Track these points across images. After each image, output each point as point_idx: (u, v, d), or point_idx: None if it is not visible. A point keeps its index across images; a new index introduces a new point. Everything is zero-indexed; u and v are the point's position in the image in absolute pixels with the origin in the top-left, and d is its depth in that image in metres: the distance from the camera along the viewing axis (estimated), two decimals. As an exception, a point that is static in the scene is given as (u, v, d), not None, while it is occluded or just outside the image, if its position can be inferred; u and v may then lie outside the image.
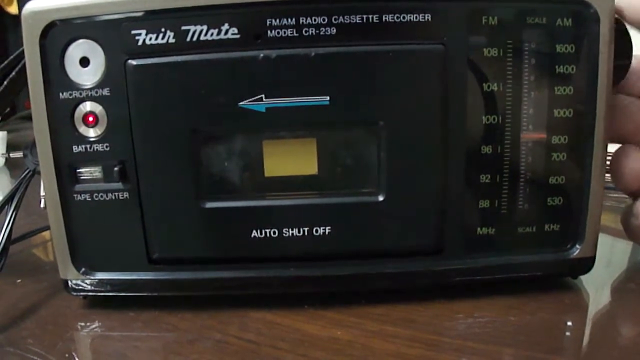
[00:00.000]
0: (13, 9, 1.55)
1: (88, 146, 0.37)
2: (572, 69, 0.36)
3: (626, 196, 0.41)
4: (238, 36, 0.35)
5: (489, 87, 0.36)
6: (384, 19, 0.35)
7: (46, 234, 0.53)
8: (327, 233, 0.37)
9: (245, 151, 0.38)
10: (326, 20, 0.35)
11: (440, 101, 0.36)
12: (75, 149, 0.37)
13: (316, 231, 0.37)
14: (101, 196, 0.37)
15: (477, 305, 0.38)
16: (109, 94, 0.36)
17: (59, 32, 0.35)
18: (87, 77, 0.36)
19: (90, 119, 0.36)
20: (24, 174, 0.43)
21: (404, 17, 0.35)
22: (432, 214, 0.37)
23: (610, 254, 0.46)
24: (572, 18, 0.35)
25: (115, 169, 0.37)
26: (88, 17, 0.35)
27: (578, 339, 0.36)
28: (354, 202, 0.37)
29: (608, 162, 0.38)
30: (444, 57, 0.35)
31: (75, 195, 0.37)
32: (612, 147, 0.39)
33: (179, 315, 0.38)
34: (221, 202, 0.37)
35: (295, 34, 0.35)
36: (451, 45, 0.35)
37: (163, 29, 0.35)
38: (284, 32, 0.35)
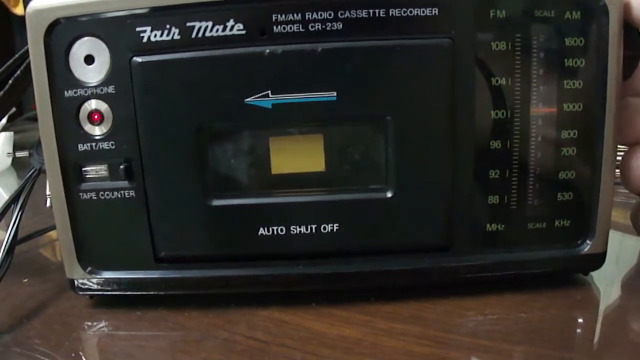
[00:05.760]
0: (19, 10, 1.55)
1: (93, 144, 0.37)
2: (582, 62, 0.36)
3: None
4: (244, 32, 0.35)
5: (497, 81, 0.36)
6: (390, 13, 0.34)
7: (53, 233, 0.52)
8: (335, 230, 0.37)
9: (251, 148, 0.37)
10: (332, 15, 0.34)
11: (448, 96, 0.35)
12: (80, 147, 0.37)
13: (324, 228, 0.37)
14: (107, 195, 0.37)
15: (487, 302, 0.38)
16: (114, 91, 0.36)
17: (64, 30, 0.35)
18: (92, 75, 0.36)
19: (96, 117, 0.36)
20: (30, 173, 0.43)
21: (410, 12, 0.34)
22: (441, 210, 0.37)
23: (620, 250, 0.45)
24: (580, 11, 0.35)
25: (121, 167, 0.37)
26: (92, 14, 0.35)
27: (589, 336, 0.36)
28: (362, 198, 0.37)
29: (619, 158, 0.38)
30: (451, 52, 0.35)
31: (81, 194, 0.37)
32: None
33: (185, 314, 0.38)
34: (228, 200, 0.37)
35: (301, 30, 0.35)
36: (459, 40, 0.35)
37: (168, 26, 0.35)
38: (290, 28, 0.35)
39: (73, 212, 0.37)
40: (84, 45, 0.35)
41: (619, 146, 0.37)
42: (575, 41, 0.35)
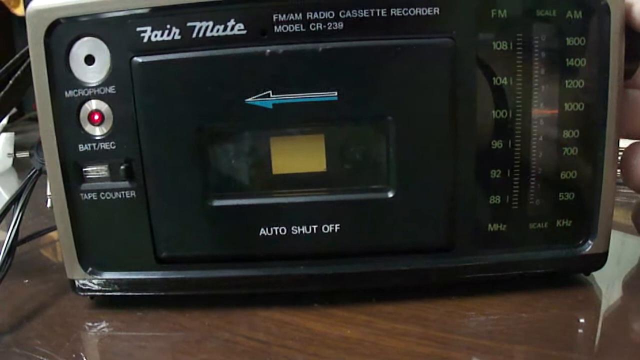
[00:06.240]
0: (19, 11, 1.55)
1: (94, 145, 0.37)
2: (583, 62, 0.36)
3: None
4: (244, 32, 0.35)
5: (498, 81, 0.36)
6: (391, 12, 0.34)
7: (54, 234, 0.52)
8: (336, 230, 0.37)
9: (252, 148, 0.37)
10: (333, 14, 0.34)
11: (450, 96, 0.35)
12: (81, 147, 0.37)
13: (325, 229, 0.37)
14: (108, 195, 0.37)
15: (488, 302, 0.38)
16: (114, 91, 0.36)
17: (64, 30, 0.35)
18: (93, 75, 0.36)
19: (96, 117, 0.36)
20: (30, 174, 0.43)
21: (412, 11, 0.34)
22: (442, 211, 0.37)
23: (622, 250, 0.45)
24: (582, 10, 0.35)
25: (122, 167, 0.37)
26: (93, 14, 0.35)
27: (591, 336, 0.36)
28: (363, 199, 0.37)
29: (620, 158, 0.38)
30: (453, 51, 0.35)
31: (81, 195, 0.37)
32: (624, 143, 0.38)
33: (186, 314, 0.38)
34: (229, 200, 0.37)
35: (302, 29, 0.35)
36: (460, 39, 0.35)
37: (168, 26, 0.35)
38: (291, 28, 0.34)
39: (74, 213, 0.37)
40: (84, 46, 0.35)
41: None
42: (576, 41, 0.35)
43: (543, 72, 0.36)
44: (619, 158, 0.38)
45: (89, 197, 0.37)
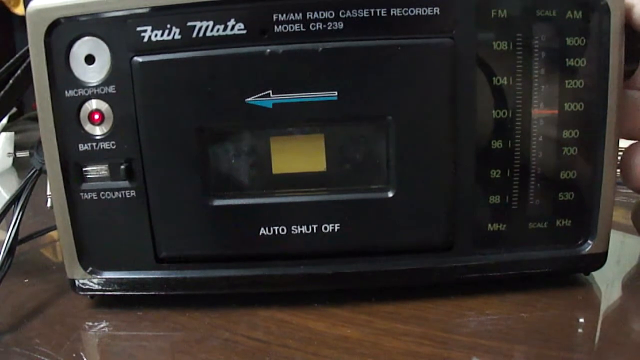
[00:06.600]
0: (19, 10, 1.55)
1: (94, 144, 0.37)
2: (583, 62, 0.36)
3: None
4: (244, 32, 0.35)
5: (498, 81, 0.36)
6: (391, 12, 0.34)
7: (54, 233, 0.52)
8: (336, 230, 0.37)
9: (252, 148, 0.37)
10: (333, 14, 0.34)
11: (449, 95, 0.35)
12: (81, 147, 0.37)
13: (325, 228, 0.37)
14: (108, 195, 0.37)
15: (488, 302, 0.38)
16: (114, 91, 0.36)
17: (64, 30, 0.35)
18: (93, 75, 0.36)
19: (96, 117, 0.36)
20: (30, 173, 0.43)
21: (411, 11, 0.34)
22: (442, 210, 0.37)
23: (621, 250, 0.45)
24: (582, 10, 0.35)
25: (122, 167, 0.37)
26: (93, 14, 0.35)
27: (590, 336, 0.36)
28: (363, 198, 0.37)
29: (619, 158, 0.38)
30: (452, 51, 0.35)
31: (81, 194, 0.37)
32: (624, 143, 0.38)
33: (186, 314, 0.38)
34: (229, 200, 0.37)
35: (302, 29, 0.35)
36: (460, 39, 0.35)
37: (169, 25, 0.35)
38: (291, 27, 0.35)
39: (74, 212, 0.37)
40: (84, 45, 0.35)
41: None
42: (576, 41, 0.35)
43: (543, 72, 0.36)
44: (619, 158, 0.38)
45: (89, 196, 0.37)
